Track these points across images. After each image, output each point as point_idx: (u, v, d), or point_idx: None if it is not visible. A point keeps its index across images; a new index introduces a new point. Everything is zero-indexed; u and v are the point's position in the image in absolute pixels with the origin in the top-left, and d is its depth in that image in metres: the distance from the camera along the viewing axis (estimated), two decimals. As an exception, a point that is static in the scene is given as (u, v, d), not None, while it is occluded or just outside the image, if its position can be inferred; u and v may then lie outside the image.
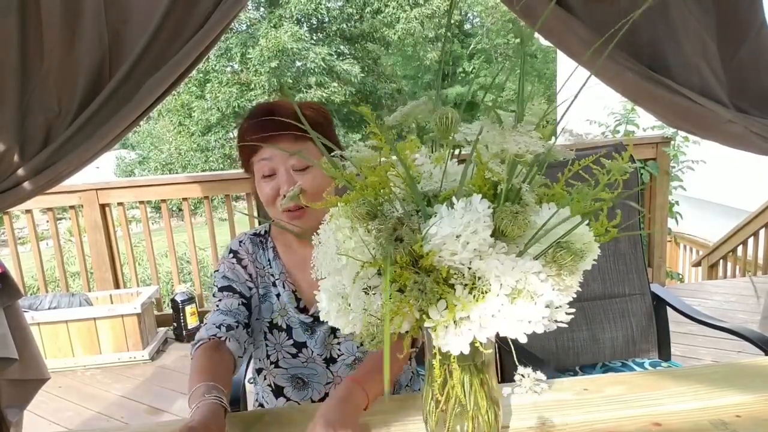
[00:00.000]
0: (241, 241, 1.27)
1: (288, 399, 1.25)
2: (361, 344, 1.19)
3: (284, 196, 1.10)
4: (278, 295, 1.23)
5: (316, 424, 0.89)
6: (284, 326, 1.23)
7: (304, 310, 1.23)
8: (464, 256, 0.63)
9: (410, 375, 1.34)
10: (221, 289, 1.21)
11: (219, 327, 1.13)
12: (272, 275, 1.24)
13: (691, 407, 0.99)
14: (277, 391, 1.27)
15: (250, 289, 1.23)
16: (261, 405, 1.32)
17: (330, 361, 1.24)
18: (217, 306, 1.19)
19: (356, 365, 1.24)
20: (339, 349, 1.24)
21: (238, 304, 1.19)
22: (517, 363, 0.68)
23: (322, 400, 1.23)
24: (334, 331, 1.22)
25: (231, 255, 1.25)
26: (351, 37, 16.36)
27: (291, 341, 1.23)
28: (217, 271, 1.25)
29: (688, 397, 1.02)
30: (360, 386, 0.98)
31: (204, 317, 3.40)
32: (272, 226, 1.28)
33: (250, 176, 1.19)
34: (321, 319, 1.16)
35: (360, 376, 1.01)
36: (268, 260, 1.25)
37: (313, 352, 1.23)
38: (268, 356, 1.25)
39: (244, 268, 1.24)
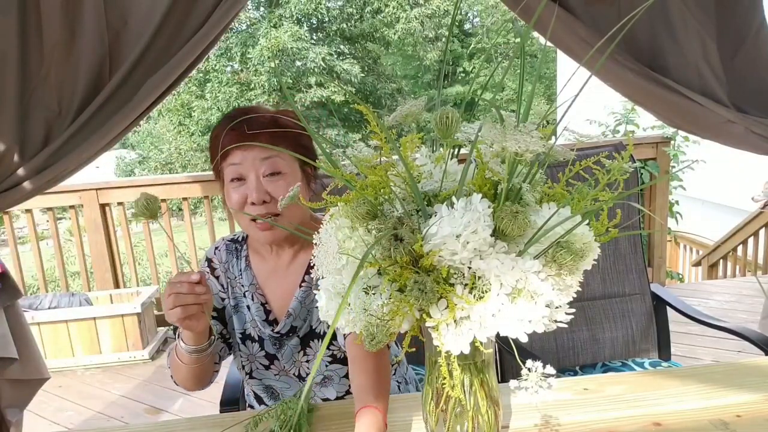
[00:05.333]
0: (217, 248, 1.25)
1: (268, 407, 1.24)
2: (331, 362, 1.15)
3: (257, 208, 1.07)
4: (248, 307, 1.21)
5: None
6: (256, 337, 1.21)
7: (273, 322, 1.20)
8: (464, 255, 0.63)
9: (396, 385, 1.29)
10: None
11: None
12: (242, 285, 1.21)
13: (692, 407, 0.99)
14: (258, 399, 1.27)
15: (223, 300, 1.23)
16: (251, 407, 1.32)
17: (299, 377, 1.21)
18: None
19: (326, 384, 1.21)
20: (308, 368, 1.20)
21: (211, 318, 1.19)
22: (519, 362, 0.68)
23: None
24: (303, 348, 1.19)
25: (206, 264, 1.24)
26: (351, 37, 16.36)
27: (263, 352, 1.21)
28: None
29: (688, 397, 1.02)
30: (379, 411, 0.92)
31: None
32: (247, 236, 1.25)
33: (219, 181, 1.15)
34: (317, 326, 1.16)
35: (373, 401, 0.94)
36: (240, 270, 1.21)
37: (285, 366, 1.21)
38: (243, 366, 1.24)
39: (217, 278, 1.23)
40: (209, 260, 1.24)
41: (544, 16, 1.50)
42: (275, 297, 1.20)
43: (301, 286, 1.17)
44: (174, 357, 1.11)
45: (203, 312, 0.98)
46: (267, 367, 1.22)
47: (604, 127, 4.31)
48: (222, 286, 1.23)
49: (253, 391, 1.27)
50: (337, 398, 1.23)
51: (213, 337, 1.07)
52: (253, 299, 1.20)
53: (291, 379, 1.22)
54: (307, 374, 1.21)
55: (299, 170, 1.12)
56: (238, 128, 1.06)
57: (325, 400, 1.22)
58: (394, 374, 1.30)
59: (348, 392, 1.22)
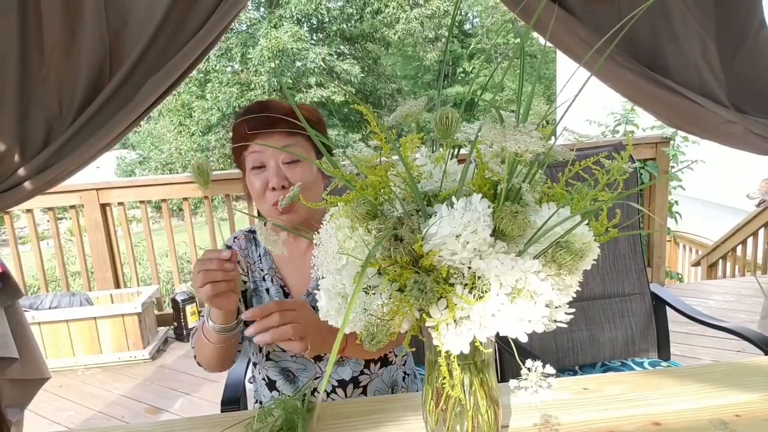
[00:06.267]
0: (235, 237, 1.31)
1: (280, 393, 1.26)
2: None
3: (277, 193, 1.13)
4: (267, 290, 1.26)
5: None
6: None
7: None
8: (464, 255, 0.63)
9: (402, 374, 1.34)
10: None
11: None
12: (262, 270, 1.26)
13: (691, 407, 0.99)
14: (270, 385, 1.28)
15: (245, 282, 1.27)
16: (259, 402, 1.33)
17: (317, 358, 1.25)
18: None
19: (343, 363, 1.25)
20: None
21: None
22: (519, 362, 0.68)
23: (311, 394, 1.24)
24: None
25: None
26: (351, 37, 16.36)
27: None
28: None
29: (687, 396, 1.02)
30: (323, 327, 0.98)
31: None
32: (266, 223, 1.30)
33: (242, 172, 1.21)
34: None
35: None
36: (259, 256, 1.27)
37: None
38: (260, 349, 1.27)
39: (238, 262, 1.25)
40: (229, 248, 1.28)
41: (544, 17, 1.50)
42: (294, 282, 1.26)
43: None
44: (200, 336, 1.13)
45: (233, 291, 0.99)
46: (284, 349, 1.25)
47: (603, 127, 4.31)
48: (243, 269, 1.27)
49: (268, 377, 1.28)
50: (352, 378, 1.25)
51: (240, 316, 1.09)
52: (272, 282, 1.25)
53: (307, 360, 1.25)
54: (325, 353, 1.23)
55: (316, 158, 1.18)
56: (258, 119, 1.13)
57: (340, 381, 1.24)
58: (404, 365, 1.34)
59: (363, 372, 1.26)
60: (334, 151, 0.75)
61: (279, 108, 1.14)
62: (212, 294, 0.96)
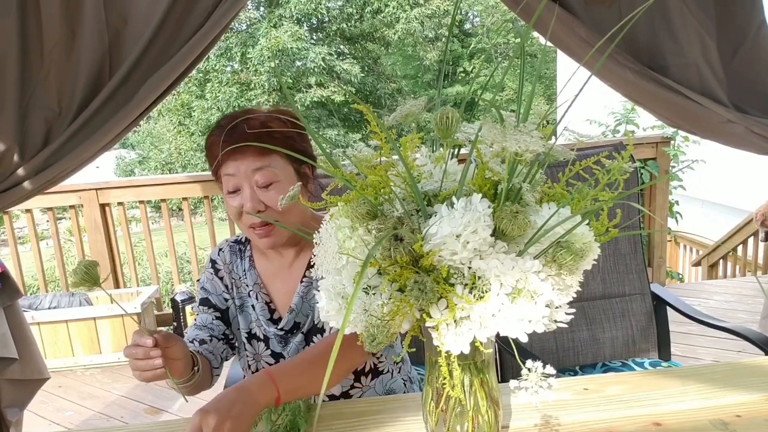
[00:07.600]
0: (220, 249, 1.27)
1: None
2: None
3: (254, 216, 1.09)
4: (253, 306, 1.23)
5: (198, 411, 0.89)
6: (262, 336, 1.23)
7: (278, 321, 1.22)
8: (464, 255, 0.63)
9: (402, 383, 1.31)
10: (200, 303, 1.25)
11: (192, 342, 1.17)
12: (247, 285, 1.23)
13: (691, 407, 0.99)
14: None
15: (226, 300, 1.25)
16: None
17: None
18: (195, 321, 1.24)
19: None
20: None
21: (213, 319, 1.22)
22: (519, 362, 0.68)
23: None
24: (307, 341, 1.21)
25: (210, 265, 1.26)
26: (351, 37, 16.36)
27: (269, 351, 1.23)
28: (199, 280, 1.28)
29: (688, 396, 1.02)
30: (270, 379, 0.96)
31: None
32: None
33: (219, 185, 1.17)
34: (319, 322, 1.18)
35: (276, 369, 0.99)
36: (244, 270, 1.24)
37: None
38: (249, 366, 1.26)
39: (221, 279, 1.25)
40: (213, 261, 1.26)
41: (544, 16, 1.50)
42: (279, 295, 1.23)
43: (302, 282, 1.19)
44: None
45: (165, 371, 0.97)
46: (272, 365, 1.23)
47: (604, 127, 4.31)
48: (226, 286, 1.25)
49: None
50: (343, 393, 1.24)
51: (197, 367, 1.07)
52: (257, 298, 1.22)
53: None
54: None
55: (294, 174, 1.13)
56: (229, 137, 1.07)
57: (331, 396, 1.23)
58: (399, 372, 1.32)
59: (353, 386, 1.24)
60: (334, 151, 0.75)
61: (253, 123, 1.08)
62: (145, 379, 0.98)
